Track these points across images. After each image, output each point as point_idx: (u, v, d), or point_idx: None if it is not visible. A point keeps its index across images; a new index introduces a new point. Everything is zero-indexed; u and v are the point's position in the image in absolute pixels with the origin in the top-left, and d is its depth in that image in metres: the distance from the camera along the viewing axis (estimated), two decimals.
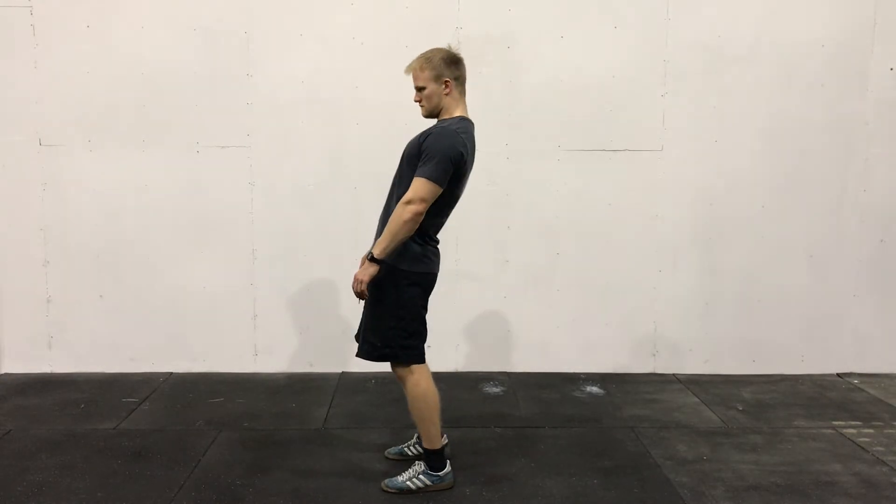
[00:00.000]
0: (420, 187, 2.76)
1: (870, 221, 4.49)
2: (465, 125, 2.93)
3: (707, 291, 4.52)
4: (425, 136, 2.86)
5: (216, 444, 3.47)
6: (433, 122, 3.00)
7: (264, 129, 4.36)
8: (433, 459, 3.01)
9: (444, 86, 2.90)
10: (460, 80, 2.97)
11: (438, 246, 3.03)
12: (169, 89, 4.31)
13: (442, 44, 4.25)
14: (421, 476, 3.01)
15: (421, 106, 2.98)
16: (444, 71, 2.90)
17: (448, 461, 3.07)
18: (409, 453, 3.31)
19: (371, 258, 2.81)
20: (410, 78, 2.96)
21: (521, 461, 3.32)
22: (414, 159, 2.86)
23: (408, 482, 3.00)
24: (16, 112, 4.31)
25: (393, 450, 3.36)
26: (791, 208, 4.46)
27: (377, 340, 2.94)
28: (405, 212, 2.76)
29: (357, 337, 3.11)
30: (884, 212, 4.49)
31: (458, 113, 2.95)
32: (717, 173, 4.43)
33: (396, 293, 2.90)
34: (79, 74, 4.29)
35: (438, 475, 3.01)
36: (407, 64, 2.99)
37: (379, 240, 2.82)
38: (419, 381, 2.95)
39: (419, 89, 2.93)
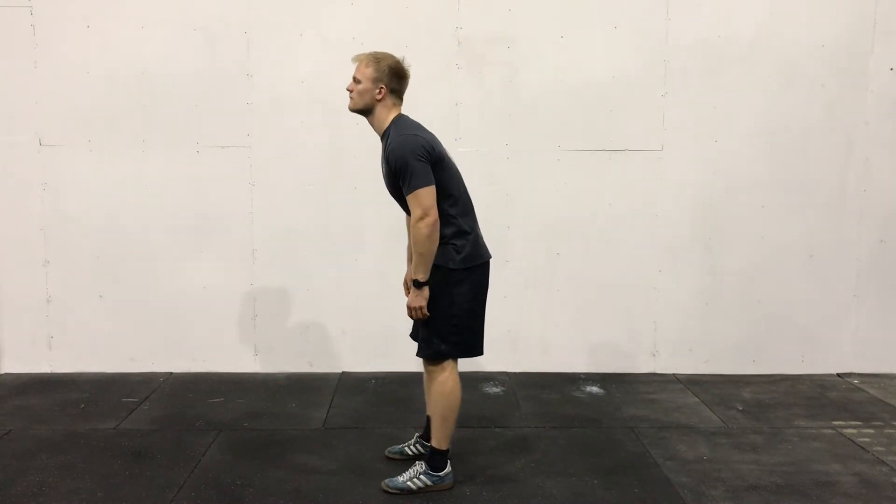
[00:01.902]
0: (419, 200, 2.79)
1: (870, 221, 4.49)
2: (403, 121, 2.95)
3: (707, 291, 4.52)
4: (387, 159, 2.90)
5: (216, 444, 3.47)
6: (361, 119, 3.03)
7: (264, 129, 4.36)
8: (437, 459, 3.02)
9: (378, 91, 2.91)
10: (397, 93, 2.97)
11: (476, 229, 3.02)
12: (169, 89, 4.31)
13: (442, 44, 4.30)
14: (421, 476, 3.01)
15: (350, 98, 2.97)
16: (384, 78, 2.91)
17: (448, 461, 3.07)
18: (410, 452, 3.31)
19: (417, 284, 2.86)
20: (355, 67, 2.96)
21: (521, 461, 3.32)
22: (392, 181, 2.91)
23: (408, 482, 3.00)
24: (16, 112, 4.31)
25: (393, 449, 3.36)
26: (791, 208, 4.46)
27: (435, 338, 2.95)
28: (423, 228, 2.79)
29: (412, 335, 3.13)
30: (884, 212, 4.49)
31: (391, 118, 2.96)
32: (717, 173, 4.43)
33: (447, 291, 2.92)
34: (79, 74, 4.29)
35: (439, 475, 3.02)
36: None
37: (414, 265, 2.86)
38: (447, 380, 2.97)
39: (356, 80, 2.94)
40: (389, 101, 2.95)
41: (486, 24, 4.31)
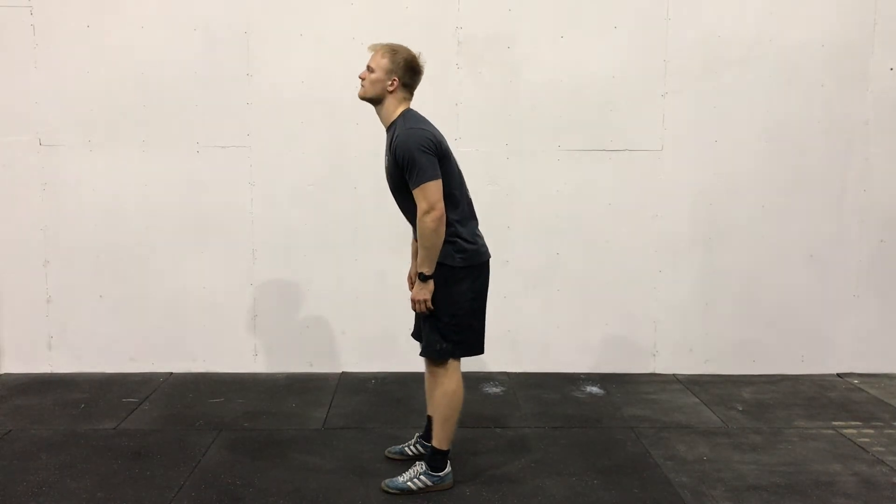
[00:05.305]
0: (426, 193, 2.79)
1: (870, 222, 4.49)
2: (411, 115, 2.94)
3: (707, 291, 4.52)
4: (393, 151, 2.88)
5: (216, 444, 3.47)
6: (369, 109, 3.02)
7: (264, 129, 4.36)
8: (437, 459, 3.02)
9: (390, 83, 2.91)
10: (409, 87, 2.97)
11: (476, 229, 3.02)
12: (169, 89, 4.31)
13: (441, 44, 4.30)
14: (421, 476, 3.01)
15: (361, 85, 2.96)
16: (398, 70, 2.91)
17: (448, 461, 3.07)
18: (410, 453, 3.31)
19: (422, 277, 2.86)
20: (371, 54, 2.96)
21: (521, 461, 3.32)
22: (395, 174, 2.90)
23: (408, 482, 3.00)
24: (16, 112, 4.31)
25: (393, 449, 3.36)
26: (791, 209, 4.46)
27: (436, 337, 2.95)
28: (429, 222, 2.79)
29: (414, 335, 3.16)
30: (884, 212, 4.49)
31: (400, 111, 2.95)
32: (717, 173, 4.43)
33: (446, 289, 2.92)
34: (79, 74, 4.29)
35: (439, 475, 3.02)
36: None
37: (420, 259, 2.86)
38: (450, 382, 2.98)
39: (369, 69, 2.93)
40: (400, 94, 2.94)
41: (486, 24, 4.31)
